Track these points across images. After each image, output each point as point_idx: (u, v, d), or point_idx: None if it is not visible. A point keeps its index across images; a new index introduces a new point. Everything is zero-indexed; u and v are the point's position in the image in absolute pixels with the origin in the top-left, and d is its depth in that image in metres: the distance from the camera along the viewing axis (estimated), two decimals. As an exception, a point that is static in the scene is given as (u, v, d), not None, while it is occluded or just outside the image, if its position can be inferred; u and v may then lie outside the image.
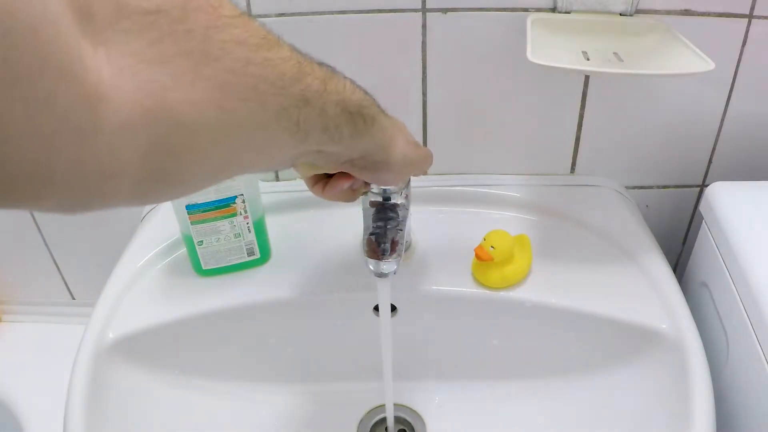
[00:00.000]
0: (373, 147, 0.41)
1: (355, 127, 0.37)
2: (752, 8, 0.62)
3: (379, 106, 0.41)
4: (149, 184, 0.27)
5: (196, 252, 0.65)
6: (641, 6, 0.62)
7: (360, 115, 0.37)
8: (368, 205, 0.59)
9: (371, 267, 0.55)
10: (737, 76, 0.66)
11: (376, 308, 0.63)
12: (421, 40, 0.65)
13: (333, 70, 0.35)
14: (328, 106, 0.33)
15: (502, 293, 0.64)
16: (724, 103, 0.69)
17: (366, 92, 0.38)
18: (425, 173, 0.53)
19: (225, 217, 0.63)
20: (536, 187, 0.75)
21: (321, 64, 0.34)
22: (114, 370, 0.60)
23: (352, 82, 0.37)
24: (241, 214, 0.64)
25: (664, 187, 0.77)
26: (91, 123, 0.23)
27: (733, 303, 0.58)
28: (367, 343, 0.63)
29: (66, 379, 0.57)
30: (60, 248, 0.86)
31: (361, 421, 0.68)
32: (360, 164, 0.42)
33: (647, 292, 0.63)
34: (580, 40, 0.61)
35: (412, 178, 0.64)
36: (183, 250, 0.68)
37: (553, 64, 0.54)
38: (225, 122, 0.27)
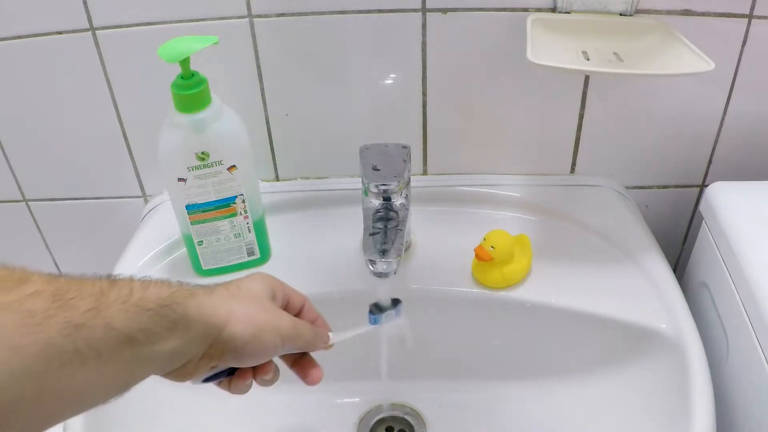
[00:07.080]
0: (204, 331, 0.37)
1: (166, 319, 0.34)
2: (752, 8, 0.62)
3: (192, 287, 0.38)
4: None
5: (196, 252, 0.65)
6: (641, 6, 0.62)
7: (165, 306, 0.35)
8: (368, 205, 0.59)
9: (371, 267, 0.55)
10: (737, 76, 0.66)
11: (376, 308, 0.63)
12: (421, 40, 0.65)
13: (113, 280, 0.33)
14: (114, 318, 0.32)
15: (502, 293, 0.64)
16: (724, 103, 0.69)
17: (168, 282, 0.36)
18: (316, 349, 0.50)
19: (225, 217, 0.63)
20: (536, 187, 0.75)
21: (94, 279, 0.33)
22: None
23: (145, 278, 0.35)
24: (241, 214, 0.64)
25: (664, 187, 0.77)
26: None
27: (733, 303, 0.58)
28: (367, 343, 0.63)
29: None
30: (60, 248, 0.85)
31: (361, 421, 0.68)
32: (216, 354, 0.39)
33: (647, 292, 0.63)
34: (580, 40, 0.61)
35: (412, 178, 0.64)
36: (183, 250, 0.68)
37: (553, 64, 0.54)
38: None
